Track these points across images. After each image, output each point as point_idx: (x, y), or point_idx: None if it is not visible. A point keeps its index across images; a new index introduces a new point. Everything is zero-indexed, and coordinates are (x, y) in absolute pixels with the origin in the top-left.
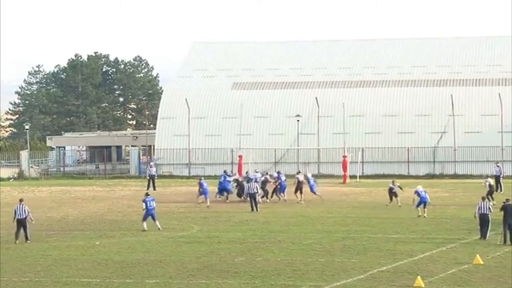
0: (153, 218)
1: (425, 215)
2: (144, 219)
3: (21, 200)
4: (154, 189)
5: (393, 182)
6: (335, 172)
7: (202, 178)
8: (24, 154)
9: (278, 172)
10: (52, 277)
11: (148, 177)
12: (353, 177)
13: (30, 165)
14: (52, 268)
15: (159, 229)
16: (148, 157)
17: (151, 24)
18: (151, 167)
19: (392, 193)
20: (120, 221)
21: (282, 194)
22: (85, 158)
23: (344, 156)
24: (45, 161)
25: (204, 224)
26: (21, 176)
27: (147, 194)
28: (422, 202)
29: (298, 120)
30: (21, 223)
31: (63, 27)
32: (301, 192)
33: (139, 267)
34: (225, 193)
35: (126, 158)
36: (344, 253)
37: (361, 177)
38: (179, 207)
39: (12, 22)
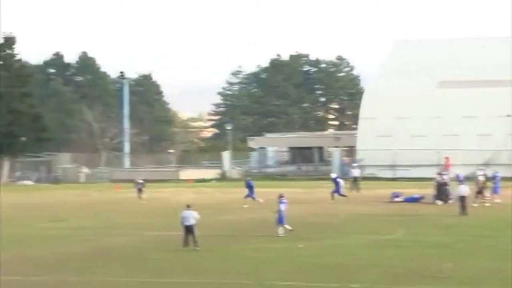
0: (282, 222)
1: None
2: (279, 222)
3: (188, 206)
4: (357, 191)
5: None
6: None
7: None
8: (226, 155)
9: (496, 173)
10: (255, 280)
11: (351, 179)
12: None
13: (232, 166)
14: (254, 271)
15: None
16: (351, 158)
17: (351, 23)
18: (354, 168)
19: None
20: (323, 223)
21: (495, 196)
22: (286, 159)
23: None
24: (247, 162)
25: (409, 228)
26: (223, 177)
27: (281, 196)
28: None
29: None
30: (189, 230)
31: (265, 28)
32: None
33: (342, 271)
34: None
35: (328, 159)
36: None
37: None
38: (385, 210)
39: (215, 25)
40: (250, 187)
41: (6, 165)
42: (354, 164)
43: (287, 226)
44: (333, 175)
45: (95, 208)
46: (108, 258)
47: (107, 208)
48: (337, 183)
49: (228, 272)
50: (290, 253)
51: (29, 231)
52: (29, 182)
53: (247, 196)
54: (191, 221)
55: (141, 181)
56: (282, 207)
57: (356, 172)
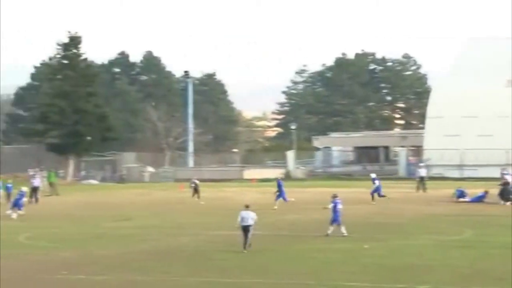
0: (337, 221)
1: None
2: (332, 222)
3: (247, 206)
4: (424, 191)
5: None
6: None
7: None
8: (290, 155)
9: None
10: (319, 280)
11: (418, 179)
12: None
13: (296, 165)
14: (318, 271)
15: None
16: (417, 158)
17: (418, 21)
18: (420, 168)
19: None
20: (388, 224)
21: None
22: (351, 159)
23: None
24: (311, 162)
25: (477, 228)
26: (287, 177)
27: (335, 196)
28: None
29: None
30: (246, 230)
31: (330, 26)
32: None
33: (408, 271)
34: None
35: (394, 158)
36: None
37: None
38: (451, 210)
39: (280, 24)
40: (279, 186)
41: (72, 164)
42: (421, 164)
43: (331, 229)
44: (373, 175)
45: (159, 208)
46: (172, 258)
47: (171, 208)
48: (375, 184)
49: (291, 272)
50: (355, 253)
51: (95, 230)
52: (94, 181)
53: (278, 197)
54: (249, 222)
55: (196, 181)
56: (331, 206)
57: (422, 172)
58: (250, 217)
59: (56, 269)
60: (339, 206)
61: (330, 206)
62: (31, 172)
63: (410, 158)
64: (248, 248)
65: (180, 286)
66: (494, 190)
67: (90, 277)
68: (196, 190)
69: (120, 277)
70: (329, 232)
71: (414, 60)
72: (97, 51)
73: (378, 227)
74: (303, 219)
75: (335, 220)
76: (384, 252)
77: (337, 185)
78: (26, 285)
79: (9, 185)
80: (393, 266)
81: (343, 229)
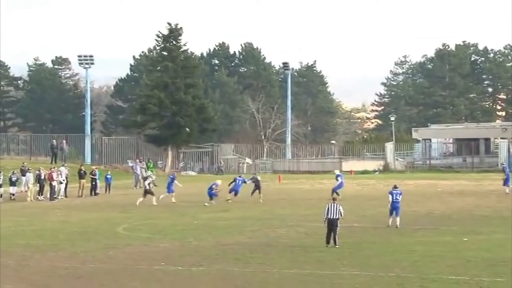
0: (396, 213)
1: None
2: (391, 213)
3: (334, 199)
4: None
5: None
6: None
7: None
8: (390, 146)
9: None
10: (419, 273)
11: None
12: None
13: (396, 157)
14: (418, 264)
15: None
16: None
17: None
18: None
19: None
20: (489, 217)
21: None
22: (451, 151)
23: None
24: (411, 154)
25: None
26: (386, 169)
27: (395, 187)
28: None
29: None
30: (332, 223)
31: (430, 17)
32: None
33: (509, 265)
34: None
35: (495, 151)
36: None
37: None
38: None
39: (378, 16)
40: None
41: (170, 155)
42: None
43: (390, 220)
44: (337, 172)
45: (257, 199)
46: (270, 249)
47: (269, 199)
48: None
49: (391, 265)
50: (455, 246)
51: (193, 221)
52: (193, 173)
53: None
54: (336, 215)
55: (258, 177)
56: (390, 198)
57: None
58: (337, 210)
59: (154, 260)
60: (398, 198)
61: (390, 198)
62: (130, 163)
63: None
64: (334, 245)
65: (278, 278)
66: None
67: (188, 268)
68: (258, 187)
69: (218, 268)
70: (389, 223)
71: None
72: (196, 42)
73: (477, 220)
74: (403, 212)
75: (392, 211)
76: (485, 245)
77: (437, 177)
78: (125, 276)
79: (108, 176)
80: (494, 260)
81: (398, 221)
